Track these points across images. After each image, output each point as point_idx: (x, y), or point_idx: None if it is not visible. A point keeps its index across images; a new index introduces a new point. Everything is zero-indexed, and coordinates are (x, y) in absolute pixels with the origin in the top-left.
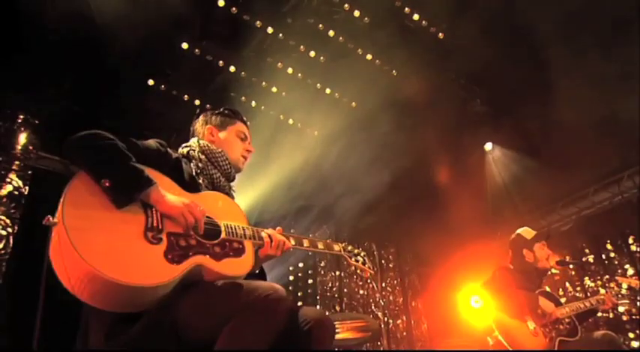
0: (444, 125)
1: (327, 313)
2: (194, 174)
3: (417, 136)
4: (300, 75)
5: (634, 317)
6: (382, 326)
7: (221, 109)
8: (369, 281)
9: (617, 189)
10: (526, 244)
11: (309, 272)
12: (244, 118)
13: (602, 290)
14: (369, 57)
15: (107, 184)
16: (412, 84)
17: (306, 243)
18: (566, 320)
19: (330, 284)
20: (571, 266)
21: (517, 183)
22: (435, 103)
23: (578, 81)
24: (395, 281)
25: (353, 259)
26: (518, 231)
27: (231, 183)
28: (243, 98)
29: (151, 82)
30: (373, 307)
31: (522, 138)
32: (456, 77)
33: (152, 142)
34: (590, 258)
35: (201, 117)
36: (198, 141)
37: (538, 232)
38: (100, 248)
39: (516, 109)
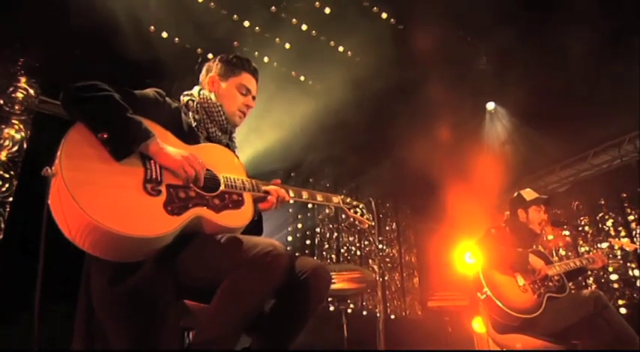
0: (447, 81)
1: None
2: (193, 125)
3: (419, 92)
4: (304, 26)
5: (623, 276)
6: (378, 278)
7: (230, 56)
8: (366, 234)
9: (618, 152)
10: (523, 204)
11: (308, 223)
12: (253, 67)
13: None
14: (375, 9)
15: (105, 136)
16: (418, 39)
17: (305, 194)
18: (556, 277)
19: (327, 236)
20: (565, 227)
21: (517, 143)
22: (439, 59)
23: (579, 42)
24: (392, 236)
25: (352, 211)
26: (521, 190)
27: (233, 135)
28: (246, 48)
29: (152, 29)
30: (369, 260)
31: (525, 98)
32: (463, 34)
33: (150, 92)
34: (586, 220)
35: (207, 64)
36: (199, 92)
37: (538, 196)
38: (100, 199)
39: (520, 69)
